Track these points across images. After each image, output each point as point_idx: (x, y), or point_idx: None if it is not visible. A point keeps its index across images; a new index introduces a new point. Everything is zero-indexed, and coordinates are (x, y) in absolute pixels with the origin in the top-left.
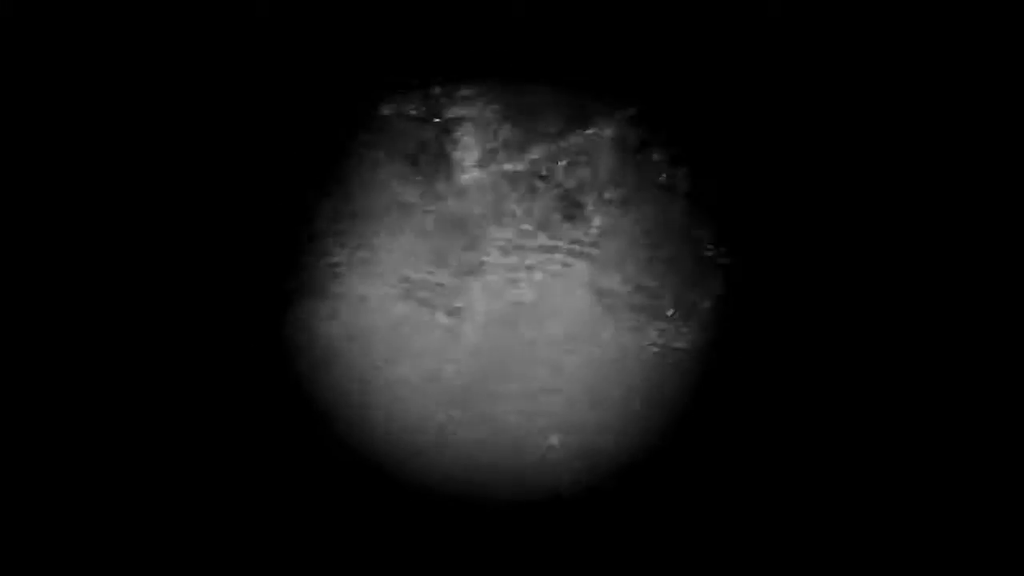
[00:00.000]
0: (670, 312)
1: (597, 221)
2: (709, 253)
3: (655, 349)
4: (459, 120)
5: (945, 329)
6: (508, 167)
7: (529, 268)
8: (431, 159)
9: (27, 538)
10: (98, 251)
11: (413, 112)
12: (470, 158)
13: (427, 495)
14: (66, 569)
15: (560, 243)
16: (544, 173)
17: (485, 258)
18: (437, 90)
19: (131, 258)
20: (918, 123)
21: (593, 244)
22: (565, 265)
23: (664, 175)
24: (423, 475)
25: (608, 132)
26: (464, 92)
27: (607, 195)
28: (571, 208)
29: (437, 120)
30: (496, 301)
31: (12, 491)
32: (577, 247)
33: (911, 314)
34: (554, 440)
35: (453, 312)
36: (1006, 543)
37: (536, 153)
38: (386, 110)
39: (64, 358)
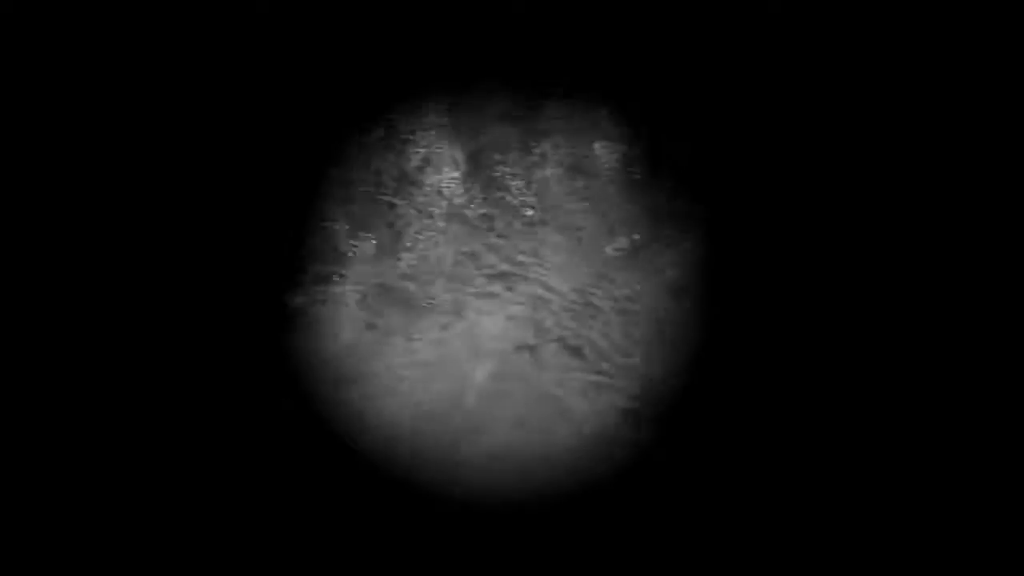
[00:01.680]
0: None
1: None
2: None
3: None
4: (431, 140)
5: (933, 324)
6: (480, 190)
7: (487, 289)
8: (404, 179)
9: (27, 538)
10: (89, 253)
11: (392, 133)
12: (440, 179)
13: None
14: (66, 569)
15: (526, 263)
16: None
17: (447, 282)
18: (404, 121)
19: (126, 259)
20: (917, 120)
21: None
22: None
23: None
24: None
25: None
26: (433, 116)
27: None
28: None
29: (417, 148)
30: (460, 319)
31: (12, 491)
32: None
33: (899, 317)
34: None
35: (414, 329)
36: (999, 541)
37: (511, 170)
38: (366, 133)
39: (64, 361)
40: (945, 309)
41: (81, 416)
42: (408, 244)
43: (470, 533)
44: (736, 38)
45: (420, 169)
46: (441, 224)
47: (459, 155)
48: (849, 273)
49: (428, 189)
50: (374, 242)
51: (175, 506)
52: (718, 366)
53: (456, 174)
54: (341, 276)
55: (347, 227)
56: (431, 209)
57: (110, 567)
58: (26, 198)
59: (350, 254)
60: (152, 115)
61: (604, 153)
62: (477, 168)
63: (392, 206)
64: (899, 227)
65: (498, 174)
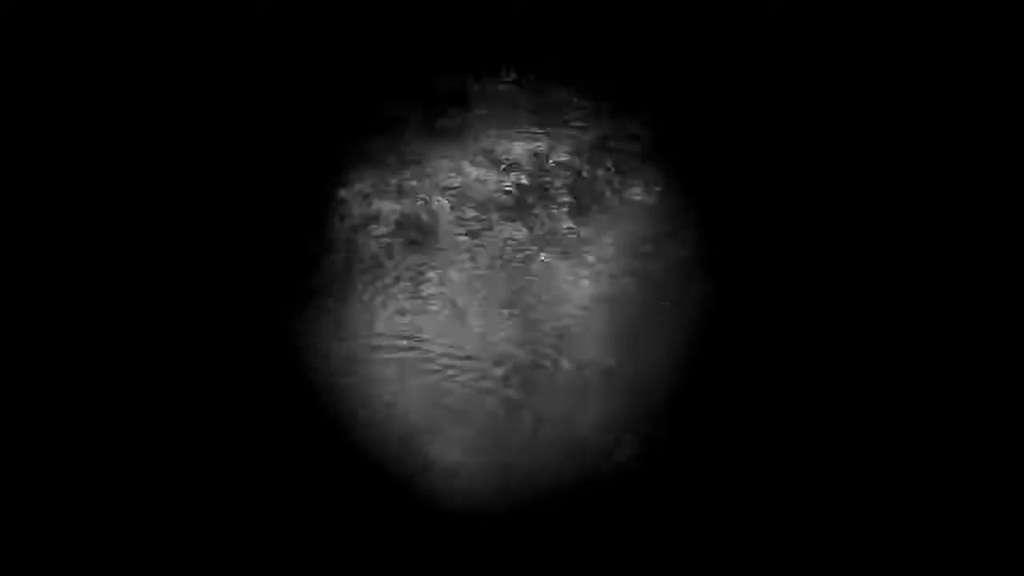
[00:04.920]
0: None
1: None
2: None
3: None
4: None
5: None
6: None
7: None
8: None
9: (27, 538)
10: (87, 255)
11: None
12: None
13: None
14: (66, 569)
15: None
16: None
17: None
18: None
19: (124, 261)
20: (917, 120)
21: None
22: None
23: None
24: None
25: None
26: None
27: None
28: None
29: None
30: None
31: (13, 491)
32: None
33: (899, 317)
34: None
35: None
36: (999, 541)
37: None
38: (365, 135)
39: (72, 360)
40: (945, 309)
41: (82, 418)
42: (404, 246)
43: (467, 534)
44: (736, 38)
45: (420, 170)
46: (438, 224)
47: (458, 155)
48: (848, 273)
49: (425, 191)
50: (371, 247)
51: (176, 510)
52: (715, 368)
53: (456, 175)
54: (339, 282)
55: (345, 231)
56: (428, 211)
57: (110, 567)
58: (26, 198)
59: (346, 258)
60: (151, 116)
61: (601, 154)
62: (477, 169)
63: (389, 210)
64: (899, 227)
65: (496, 174)
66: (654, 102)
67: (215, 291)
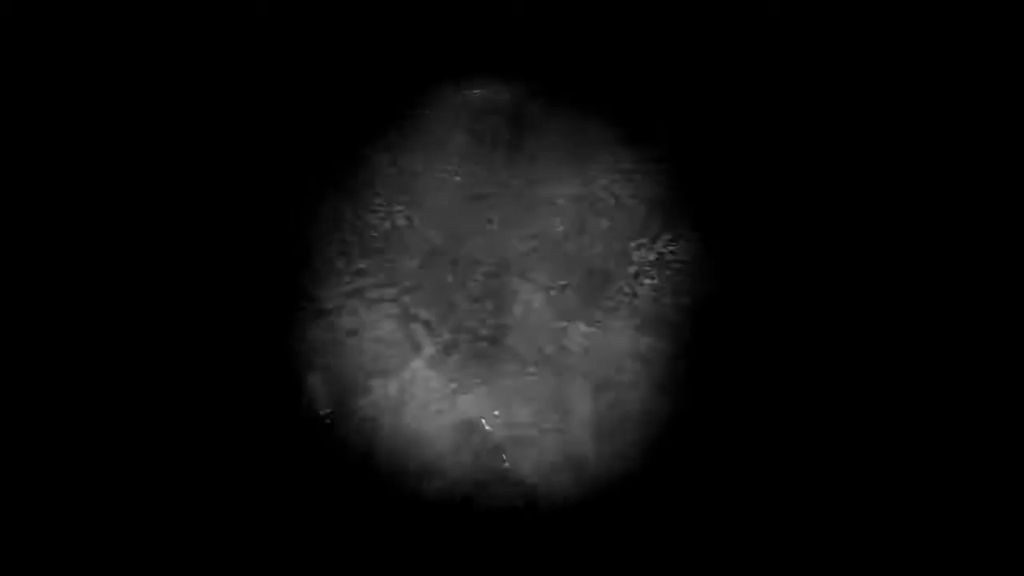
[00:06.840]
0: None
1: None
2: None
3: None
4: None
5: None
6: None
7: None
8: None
9: (27, 538)
10: (93, 256)
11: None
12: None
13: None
14: (66, 569)
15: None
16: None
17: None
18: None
19: (129, 260)
20: (917, 124)
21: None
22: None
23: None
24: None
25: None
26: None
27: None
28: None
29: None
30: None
31: (13, 492)
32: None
33: (899, 322)
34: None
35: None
36: (999, 542)
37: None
38: (367, 140)
39: (66, 364)
40: (946, 313)
41: (84, 422)
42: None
43: (466, 537)
44: (735, 42)
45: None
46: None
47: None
48: (848, 277)
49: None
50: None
51: (179, 516)
52: (713, 371)
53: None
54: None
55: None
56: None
57: (110, 567)
58: (26, 200)
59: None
60: (151, 118)
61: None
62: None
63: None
64: (899, 231)
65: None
66: (652, 107)
67: (201, 289)
